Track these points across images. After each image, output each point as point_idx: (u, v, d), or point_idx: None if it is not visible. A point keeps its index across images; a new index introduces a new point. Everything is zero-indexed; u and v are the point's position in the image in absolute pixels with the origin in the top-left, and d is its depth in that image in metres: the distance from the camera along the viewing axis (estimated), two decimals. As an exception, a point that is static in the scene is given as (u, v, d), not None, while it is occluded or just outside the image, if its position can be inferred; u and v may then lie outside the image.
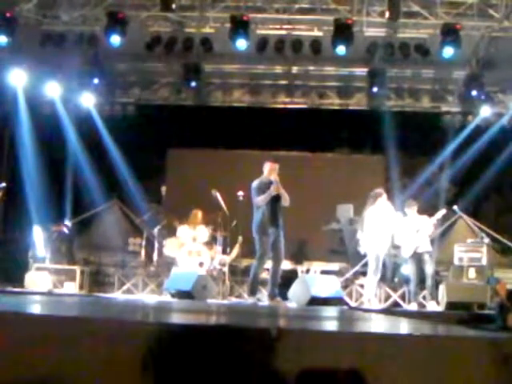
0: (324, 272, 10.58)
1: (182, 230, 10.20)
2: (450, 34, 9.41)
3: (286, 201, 7.95)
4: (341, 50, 9.71)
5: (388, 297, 9.75)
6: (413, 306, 9.06)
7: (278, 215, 7.97)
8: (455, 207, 10.69)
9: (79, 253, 11.31)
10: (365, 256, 9.29)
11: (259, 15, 9.98)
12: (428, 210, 9.79)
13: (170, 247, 10.33)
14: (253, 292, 8.11)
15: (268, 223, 7.87)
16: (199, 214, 10.25)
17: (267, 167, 8.11)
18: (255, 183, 8.04)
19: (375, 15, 9.81)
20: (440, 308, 8.92)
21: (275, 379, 1.92)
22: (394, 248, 9.89)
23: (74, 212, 11.96)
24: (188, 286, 8.51)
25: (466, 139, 11.98)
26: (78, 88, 11.84)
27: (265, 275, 8.75)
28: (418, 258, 9.05)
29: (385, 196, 9.12)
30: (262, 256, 7.93)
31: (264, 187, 7.96)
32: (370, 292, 9.04)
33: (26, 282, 9.54)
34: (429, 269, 8.97)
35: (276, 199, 7.94)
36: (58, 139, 11.77)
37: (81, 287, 10.12)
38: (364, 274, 9.63)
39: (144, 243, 10.97)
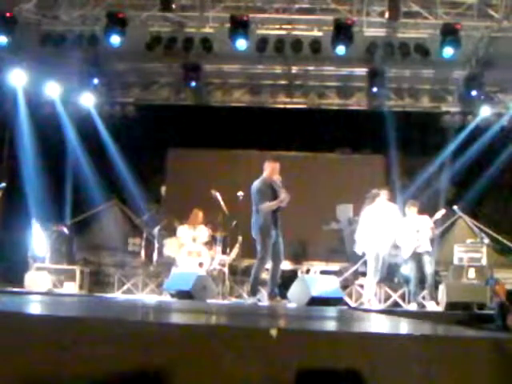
0: (324, 272, 10.58)
1: (182, 230, 10.20)
2: (449, 33, 9.41)
3: (285, 201, 7.95)
4: (340, 50, 9.71)
5: (388, 297, 9.76)
6: (413, 306, 9.06)
7: (278, 214, 7.96)
8: (455, 207, 10.70)
9: (79, 253, 11.32)
10: (364, 256, 9.31)
11: (259, 15, 9.98)
12: (428, 210, 9.79)
13: (170, 247, 10.33)
14: (253, 292, 8.10)
15: (271, 225, 7.85)
16: (200, 214, 10.25)
17: (268, 167, 8.07)
18: (257, 185, 7.98)
19: (375, 15, 9.81)
20: (440, 308, 8.92)
21: (275, 379, 1.91)
22: (395, 248, 9.91)
23: (73, 212, 11.97)
24: (188, 286, 8.51)
25: (466, 139, 11.99)
26: (78, 88, 11.84)
27: (264, 275, 8.75)
28: (417, 258, 9.06)
29: (383, 196, 9.13)
30: (264, 257, 7.91)
31: (267, 189, 7.92)
32: (370, 292, 9.04)
33: (26, 282, 9.54)
34: (428, 269, 8.98)
35: (274, 198, 7.92)
36: (57, 139, 11.77)
37: (80, 287, 10.13)
38: (364, 274, 9.64)
39: (144, 243, 10.97)
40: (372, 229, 8.94)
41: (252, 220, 7.96)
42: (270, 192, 7.92)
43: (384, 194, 9.59)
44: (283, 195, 7.83)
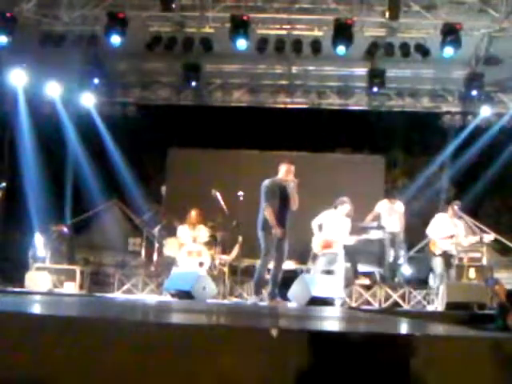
0: (324, 272, 10.57)
1: (182, 230, 10.19)
2: (450, 33, 9.40)
3: (294, 205, 7.90)
4: (341, 49, 9.70)
5: (388, 297, 9.76)
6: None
7: (286, 217, 7.91)
8: (454, 206, 10.71)
9: (79, 253, 11.32)
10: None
11: (259, 15, 9.97)
12: (428, 210, 9.81)
13: (170, 247, 10.32)
14: (256, 291, 8.05)
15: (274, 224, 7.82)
16: (193, 213, 10.23)
17: (283, 168, 7.98)
18: (266, 184, 7.92)
19: (375, 15, 9.81)
20: (440, 308, 8.93)
21: (275, 379, 1.92)
22: (395, 248, 9.94)
23: (74, 212, 11.98)
24: (188, 286, 8.50)
25: (466, 139, 12.00)
26: (78, 88, 11.85)
27: (265, 275, 8.74)
28: (445, 259, 9.22)
29: (347, 206, 9.22)
30: (265, 255, 7.88)
31: (274, 189, 7.89)
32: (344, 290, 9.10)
33: (26, 281, 9.53)
34: (452, 273, 9.16)
35: (285, 202, 7.90)
36: (58, 139, 11.78)
37: (81, 287, 10.12)
38: (365, 274, 9.69)
39: (144, 243, 10.96)
40: (330, 232, 9.11)
41: (258, 217, 7.97)
42: (279, 193, 7.89)
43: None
44: (276, 231, 7.76)
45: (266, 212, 7.78)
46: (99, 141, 12.16)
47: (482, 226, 10.88)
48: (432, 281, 9.65)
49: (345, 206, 9.22)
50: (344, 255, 9.04)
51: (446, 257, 9.28)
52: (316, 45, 10.17)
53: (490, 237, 9.68)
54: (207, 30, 10.21)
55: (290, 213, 7.96)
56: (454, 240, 9.36)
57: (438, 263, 9.33)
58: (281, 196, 7.89)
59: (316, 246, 9.20)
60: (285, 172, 7.98)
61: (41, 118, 11.49)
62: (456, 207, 9.59)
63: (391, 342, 2.06)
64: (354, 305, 9.52)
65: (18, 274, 9.78)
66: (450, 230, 9.35)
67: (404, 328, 3.51)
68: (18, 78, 10.73)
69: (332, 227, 9.20)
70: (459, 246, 9.41)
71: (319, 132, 12.37)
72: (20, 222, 10.97)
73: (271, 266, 8.16)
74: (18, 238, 10.83)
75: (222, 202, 9.66)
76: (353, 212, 9.44)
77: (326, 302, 8.02)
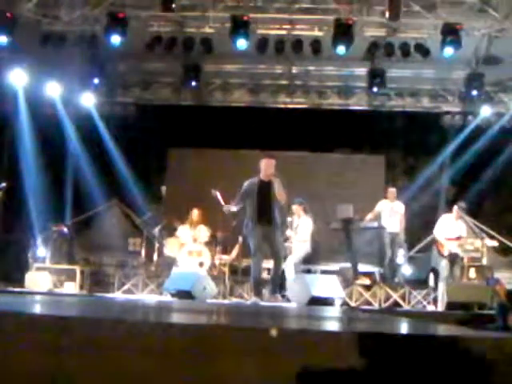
0: (324, 272, 10.59)
1: (182, 230, 10.20)
2: (450, 33, 9.41)
3: (282, 199, 7.71)
4: (341, 49, 9.71)
5: (388, 297, 9.76)
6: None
7: (269, 211, 7.66)
8: (455, 207, 10.71)
9: (79, 253, 11.32)
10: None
11: (259, 15, 9.97)
12: (428, 210, 9.81)
13: (171, 247, 10.33)
14: (257, 292, 7.94)
15: (254, 220, 7.69)
16: (194, 212, 10.24)
17: (262, 164, 7.83)
18: (244, 184, 7.86)
19: (375, 15, 9.81)
20: (440, 308, 8.94)
21: (275, 379, 1.91)
22: (395, 248, 9.94)
23: (74, 212, 11.97)
24: (188, 285, 8.50)
25: (466, 139, 12.00)
26: (79, 88, 11.85)
27: (264, 274, 8.74)
28: (452, 260, 9.31)
29: (294, 206, 9.56)
30: (253, 255, 7.77)
31: (251, 188, 7.76)
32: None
33: (26, 281, 9.54)
34: (457, 273, 9.23)
35: (263, 196, 7.70)
36: (58, 139, 11.78)
37: (81, 287, 10.13)
38: (365, 274, 9.73)
39: (144, 243, 10.97)
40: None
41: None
42: (257, 190, 7.72)
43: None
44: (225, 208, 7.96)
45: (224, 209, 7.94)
46: (99, 141, 12.17)
47: (484, 228, 10.87)
48: (432, 281, 9.68)
49: (292, 207, 9.57)
50: (304, 255, 9.62)
51: (453, 258, 9.35)
52: (316, 45, 10.17)
53: (493, 243, 9.76)
54: (207, 30, 10.21)
55: (276, 207, 7.72)
56: (460, 242, 9.45)
57: (444, 264, 9.38)
58: (260, 193, 7.70)
59: None
60: (264, 167, 7.79)
61: (41, 118, 11.49)
62: (457, 208, 9.60)
63: (391, 342, 2.06)
64: (353, 305, 9.53)
65: (18, 274, 9.78)
66: (456, 232, 9.41)
67: (404, 328, 3.51)
68: (18, 77, 10.74)
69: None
70: (462, 248, 9.45)
71: (319, 132, 12.36)
72: (20, 222, 10.97)
73: (270, 265, 8.15)
74: (17, 238, 10.82)
75: (222, 202, 9.66)
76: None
77: (326, 301, 8.02)
